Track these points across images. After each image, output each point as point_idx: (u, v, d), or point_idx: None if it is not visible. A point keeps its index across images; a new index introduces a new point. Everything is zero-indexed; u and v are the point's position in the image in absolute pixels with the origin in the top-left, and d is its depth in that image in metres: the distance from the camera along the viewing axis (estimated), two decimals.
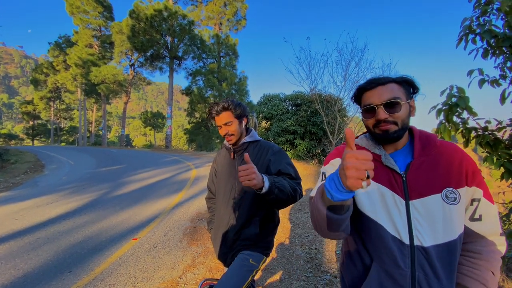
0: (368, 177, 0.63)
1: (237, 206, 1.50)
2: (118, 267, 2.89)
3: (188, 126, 29.15)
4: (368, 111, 0.92)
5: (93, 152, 17.81)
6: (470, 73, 1.93)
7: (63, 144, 42.80)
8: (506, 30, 1.93)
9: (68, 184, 7.25)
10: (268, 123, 12.00)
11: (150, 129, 45.17)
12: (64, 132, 46.86)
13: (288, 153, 10.95)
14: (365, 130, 1.04)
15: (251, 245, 1.47)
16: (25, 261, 2.99)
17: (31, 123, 44.41)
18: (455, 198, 0.84)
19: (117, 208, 5.01)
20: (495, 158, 1.83)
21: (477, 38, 2.01)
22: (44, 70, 37.74)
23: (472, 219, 0.87)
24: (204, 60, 25.98)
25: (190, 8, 26.55)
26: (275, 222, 1.57)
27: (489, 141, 1.88)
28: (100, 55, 30.20)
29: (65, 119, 47.24)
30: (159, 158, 14.34)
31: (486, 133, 1.91)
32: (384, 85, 0.90)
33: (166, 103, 30.04)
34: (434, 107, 1.97)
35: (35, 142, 44.65)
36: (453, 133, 1.93)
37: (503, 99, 1.85)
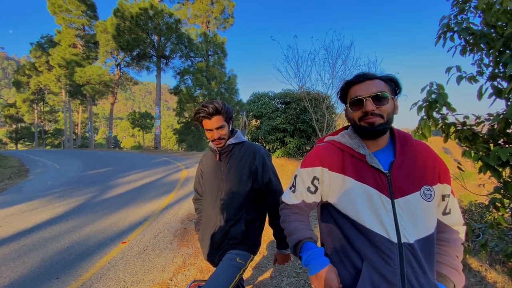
0: None
1: (224, 208, 1.50)
2: (107, 272, 2.85)
3: (178, 126, 28.85)
4: (356, 103, 0.94)
5: (80, 154, 17.37)
6: (448, 70, 1.98)
7: (48, 147, 41.65)
8: (484, 28, 1.98)
9: (54, 188, 7.06)
10: (258, 121, 11.98)
11: (139, 130, 44.27)
12: (49, 135, 45.50)
13: (278, 151, 11.04)
14: None
15: (238, 243, 1.48)
16: (11, 269, 2.91)
17: (14, 126, 43.04)
18: (431, 195, 0.90)
19: (106, 211, 4.92)
20: (473, 152, 1.90)
21: (455, 35, 2.06)
22: (27, 72, 36.60)
23: (444, 213, 0.96)
24: (192, 59, 25.72)
25: (176, 6, 26.14)
26: (262, 220, 1.59)
27: (468, 136, 1.94)
28: (84, 55, 29.42)
29: (50, 121, 45.87)
30: (148, 159, 14.13)
31: (465, 128, 1.97)
32: (371, 80, 0.94)
33: (154, 103, 29.58)
34: (415, 103, 2.01)
35: (19, 146, 43.31)
36: (433, 128, 1.98)
37: (480, 95, 1.90)
